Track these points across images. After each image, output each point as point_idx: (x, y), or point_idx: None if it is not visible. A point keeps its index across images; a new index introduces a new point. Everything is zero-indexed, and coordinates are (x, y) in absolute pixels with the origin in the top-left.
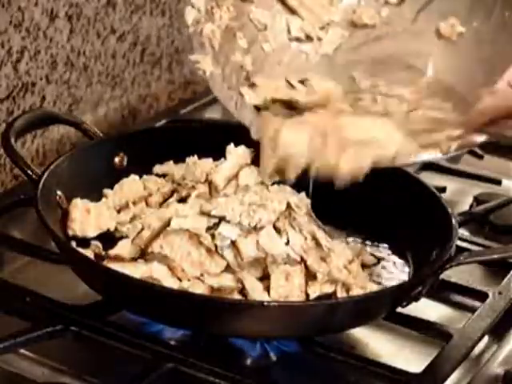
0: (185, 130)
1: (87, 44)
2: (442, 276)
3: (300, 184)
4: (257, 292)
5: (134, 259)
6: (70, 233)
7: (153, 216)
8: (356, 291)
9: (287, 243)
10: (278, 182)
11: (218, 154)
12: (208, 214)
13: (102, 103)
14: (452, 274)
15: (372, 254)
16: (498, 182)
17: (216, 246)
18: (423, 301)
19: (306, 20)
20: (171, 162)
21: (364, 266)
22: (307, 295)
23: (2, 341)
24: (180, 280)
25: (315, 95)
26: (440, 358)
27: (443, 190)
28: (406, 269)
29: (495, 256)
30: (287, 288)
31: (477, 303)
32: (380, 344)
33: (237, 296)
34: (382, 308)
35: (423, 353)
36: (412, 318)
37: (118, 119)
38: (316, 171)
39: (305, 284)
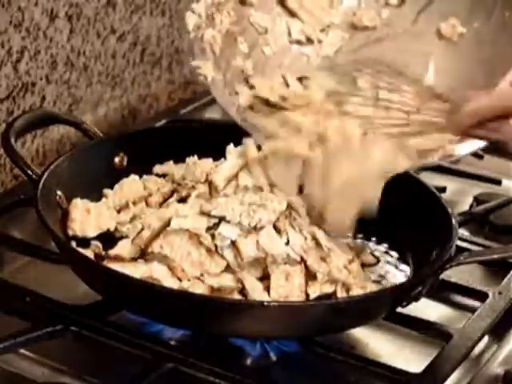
0: (185, 130)
1: (87, 44)
2: (442, 276)
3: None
4: (257, 292)
5: (134, 259)
6: (70, 233)
7: (153, 216)
8: (356, 291)
9: (287, 243)
10: None
11: (218, 154)
12: (208, 214)
13: (102, 103)
14: (452, 274)
15: (372, 254)
16: (498, 182)
17: (216, 246)
18: (423, 301)
19: (306, 22)
20: (171, 162)
21: (364, 265)
22: (307, 295)
23: (2, 341)
24: (180, 280)
25: (301, 98)
26: (440, 358)
27: (443, 190)
28: (406, 269)
29: (495, 256)
30: (287, 288)
31: (477, 303)
32: (380, 344)
33: (237, 296)
34: (382, 308)
35: (423, 353)
36: (412, 317)
37: (117, 119)
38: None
39: (305, 284)
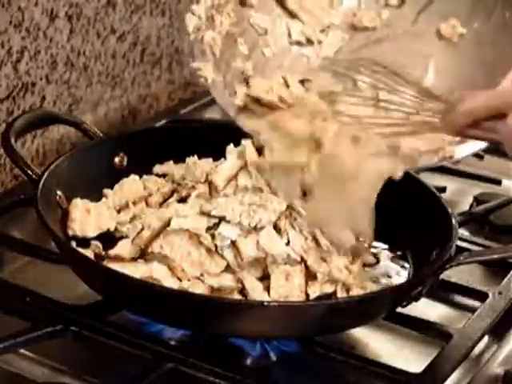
0: (185, 130)
1: (87, 44)
2: (442, 276)
3: None
4: (257, 292)
5: (134, 259)
6: (70, 233)
7: (153, 216)
8: (356, 291)
9: (287, 243)
10: None
11: (218, 154)
12: (208, 214)
13: (102, 103)
14: (452, 274)
15: (372, 254)
16: (498, 182)
17: (216, 246)
18: (423, 301)
19: (306, 23)
20: (171, 162)
21: (364, 265)
22: (307, 295)
23: (2, 341)
24: (180, 280)
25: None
26: (440, 358)
27: (443, 190)
28: (406, 269)
29: (495, 256)
30: (287, 288)
31: (477, 303)
32: (380, 344)
33: (237, 296)
34: (382, 308)
35: (423, 353)
36: (412, 318)
37: (117, 119)
38: None
39: (305, 284)
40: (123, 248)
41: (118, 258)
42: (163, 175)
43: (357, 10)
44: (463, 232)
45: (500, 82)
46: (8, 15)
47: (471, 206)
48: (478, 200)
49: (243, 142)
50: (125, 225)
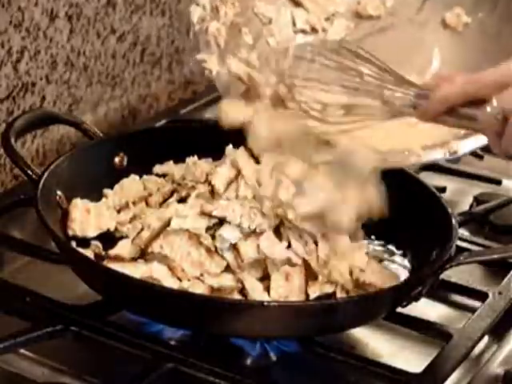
0: (185, 130)
1: (87, 44)
2: (442, 276)
3: None
4: (257, 292)
5: (134, 259)
6: (70, 233)
7: (153, 216)
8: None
9: (288, 246)
10: None
11: (218, 154)
12: (209, 215)
13: (102, 103)
14: (452, 274)
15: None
16: (498, 182)
17: (216, 247)
18: (423, 301)
19: (311, 12)
20: (171, 162)
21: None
22: (307, 295)
23: (2, 341)
24: (180, 280)
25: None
26: (440, 358)
27: (443, 190)
28: (406, 269)
29: (495, 256)
30: (287, 288)
31: (477, 303)
32: (380, 344)
33: (237, 296)
34: (382, 308)
35: (423, 353)
36: (412, 318)
37: (117, 119)
38: None
39: (305, 284)
40: (123, 248)
41: (118, 258)
42: (163, 175)
43: None
44: (463, 232)
45: None
46: (8, 15)
47: (471, 206)
48: (477, 200)
49: (228, 149)
50: (125, 225)
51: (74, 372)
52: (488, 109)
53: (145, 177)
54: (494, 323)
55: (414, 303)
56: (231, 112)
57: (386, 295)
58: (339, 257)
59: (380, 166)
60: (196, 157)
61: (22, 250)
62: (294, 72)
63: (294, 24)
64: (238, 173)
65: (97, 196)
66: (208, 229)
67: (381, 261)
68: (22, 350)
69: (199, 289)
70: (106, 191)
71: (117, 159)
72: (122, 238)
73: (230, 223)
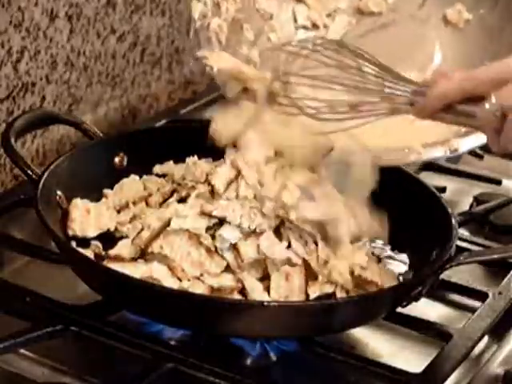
0: (185, 130)
1: (87, 44)
2: (442, 276)
3: None
4: (257, 292)
5: (134, 259)
6: (70, 233)
7: (153, 216)
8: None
9: (288, 246)
10: None
11: (218, 154)
12: (209, 215)
13: (102, 103)
14: (452, 274)
15: (372, 254)
16: (498, 182)
17: (216, 247)
18: (423, 301)
19: (312, 8)
20: (171, 162)
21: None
22: (307, 295)
23: (2, 341)
24: (180, 280)
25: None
26: (440, 358)
27: (443, 190)
28: (406, 268)
29: (495, 256)
30: (287, 288)
31: (477, 303)
32: (380, 344)
33: (237, 296)
34: (382, 308)
35: (423, 353)
36: (412, 318)
37: (117, 119)
38: None
39: (305, 284)
40: (123, 248)
41: (118, 258)
42: (163, 175)
43: None
44: (463, 232)
45: None
46: (8, 15)
47: (471, 206)
48: (477, 200)
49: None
50: (125, 225)
51: (74, 372)
52: (486, 106)
53: (145, 177)
54: (494, 323)
55: (414, 303)
56: (224, 129)
57: (386, 295)
58: (339, 257)
59: (379, 164)
60: (196, 157)
61: (22, 250)
62: (289, 69)
63: (295, 20)
64: (238, 173)
65: (97, 196)
66: (208, 229)
67: (380, 260)
68: (22, 350)
69: (199, 289)
70: (106, 191)
71: (117, 159)
72: (121, 238)
73: (229, 223)
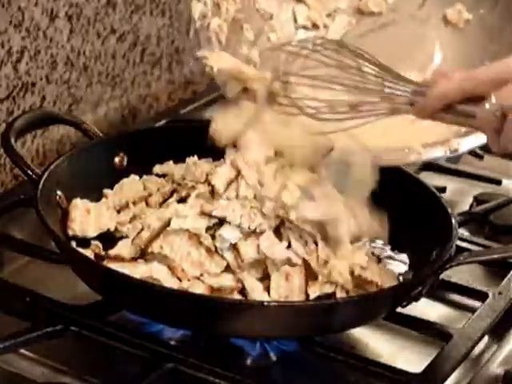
0: (185, 130)
1: (87, 44)
2: (442, 276)
3: None
4: (257, 292)
5: (134, 259)
6: (70, 233)
7: (153, 216)
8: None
9: (288, 246)
10: None
11: (218, 154)
12: (209, 215)
13: (102, 103)
14: (452, 274)
15: (372, 254)
16: (498, 182)
17: (216, 247)
18: (423, 301)
19: (312, 8)
20: (171, 162)
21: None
22: (307, 295)
23: (2, 341)
24: (180, 280)
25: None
26: (440, 358)
27: (443, 190)
28: (406, 268)
29: (495, 256)
30: (287, 288)
31: (477, 303)
32: (380, 344)
33: (237, 296)
34: (382, 308)
35: (423, 353)
36: (412, 318)
37: (117, 119)
38: None
39: (305, 284)
40: (123, 248)
41: (118, 258)
42: (163, 175)
43: None
44: (463, 232)
45: None
46: (8, 15)
47: (471, 206)
48: (477, 200)
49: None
50: (125, 225)
51: (74, 372)
52: (486, 106)
53: (145, 177)
54: (494, 323)
55: (414, 303)
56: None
57: (386, 295)
58: (339, 257)
59: (379, 164)
60: (196, 157)
61: (22, 250)
62: (289, 69)
63: (295, 20)
64: (238, 173)
65: (97, 196)
66: (208, 229)
67: (380, 260)
68: (22, 350)
69: (199, 289)
70: (106, 191)
71: (117, 159)
72: (121, 238)
73: (230, 223)
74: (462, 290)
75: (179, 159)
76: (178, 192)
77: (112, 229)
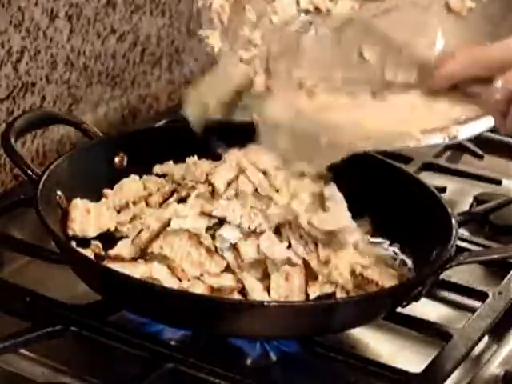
0: (185, 130)
1: (87, 44)
2: (442, 276)
3: None
4: (257, 292)
5: (134, 259)
6: (70, 233)
7: (152, 216)
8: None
9: (288, 246)
10: None
11: (218, 154)
12: (209, 215)
13: (102, 103)
14: (452, 274)
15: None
16: (498, 182)
17: (216, 247)
18: (423, 301)
19: None
20: (171, 162)
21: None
22: (307, 295)
23: (2, 341)
24: (180, 280)
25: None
26: (440, 358)
27: (443, 190)
28: (406, 267)
29: (495, 256)
30: (287, 288)
31: (477, 303)
32: (380, 344)
33: (237, 296)
34: (382, 308)
35: (423, 353)
36: (412, 318)
37: (117, 119)
38: None
39: (305, 284)
40: (123, 248)
41: (118, 258)
42: (163, 175)
43: None
44: (463, 232)
45: None
46: (8, 15)
47: (471, 206)
48: (477, 200)
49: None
50: (125, 225)
51: (74, 372)
52: (492, 88)
53: (145, 177)
54: (494, 323)
55: (414, 303)
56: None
57: (386, 295)
58: (340, 256)
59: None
60: (196, 157)
61: (22, 250)
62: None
63: (297, 3)
64: (238, 173)
65: (97, 196)
66: (208, 229)
67: (380, 260)
68: (22, 350)
69: (199, 289)
70: (106, 191)
71: (117, 159)
72: (121, 238)
73: (230, 223)
74: (461, 289)
75: (179, 159)
76: (177, 192)
77: (112, 229)
